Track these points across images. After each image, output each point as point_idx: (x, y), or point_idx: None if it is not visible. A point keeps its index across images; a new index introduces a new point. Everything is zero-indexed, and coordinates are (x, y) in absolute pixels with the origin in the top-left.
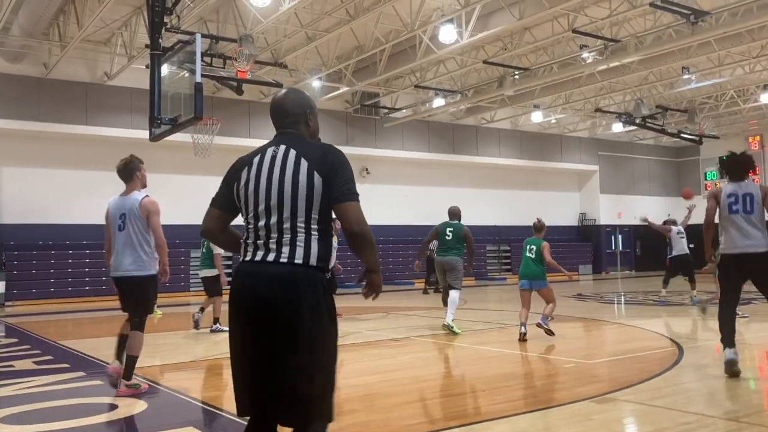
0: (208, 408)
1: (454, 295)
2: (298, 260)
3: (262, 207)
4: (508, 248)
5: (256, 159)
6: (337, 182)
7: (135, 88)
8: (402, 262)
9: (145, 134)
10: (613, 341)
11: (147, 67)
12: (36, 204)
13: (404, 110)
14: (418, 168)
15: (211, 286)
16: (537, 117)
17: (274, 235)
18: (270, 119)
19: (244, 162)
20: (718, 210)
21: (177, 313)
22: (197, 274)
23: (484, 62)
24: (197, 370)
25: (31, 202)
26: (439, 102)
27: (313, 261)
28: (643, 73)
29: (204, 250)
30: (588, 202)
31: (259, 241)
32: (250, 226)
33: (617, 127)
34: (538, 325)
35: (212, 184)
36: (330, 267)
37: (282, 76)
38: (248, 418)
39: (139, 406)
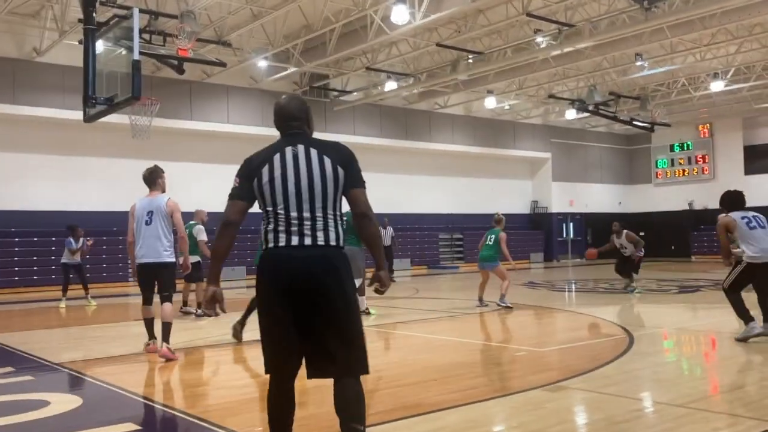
0: (147, 403)
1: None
2: (332, 242)
3: (293, 198)
4: (461, 236)
5: (277, 157)
6: (352, 172)
7: (67, 65)
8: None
9: (78, 115)
10: (565, 329)
11: (80, 43)
12: None
13: (355, 93)
14: (369, 153)
15: (193, 273)
16: (490, 103)
17: (308, 222)
18: (211, 102)
19: (262, 159)
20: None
21: (113, 304)
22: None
23: (438, 45)
24: (134, 363)
25: None
26: (391, 85)
27: (341, 242)
28: (597, 59)
29: None
30: (540, 190)
31: (292, 228)
32: (280, 216)
33: (570, 114)
34: (498, 306)
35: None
36: None
37: (226, 55)
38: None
39: (73, 403)
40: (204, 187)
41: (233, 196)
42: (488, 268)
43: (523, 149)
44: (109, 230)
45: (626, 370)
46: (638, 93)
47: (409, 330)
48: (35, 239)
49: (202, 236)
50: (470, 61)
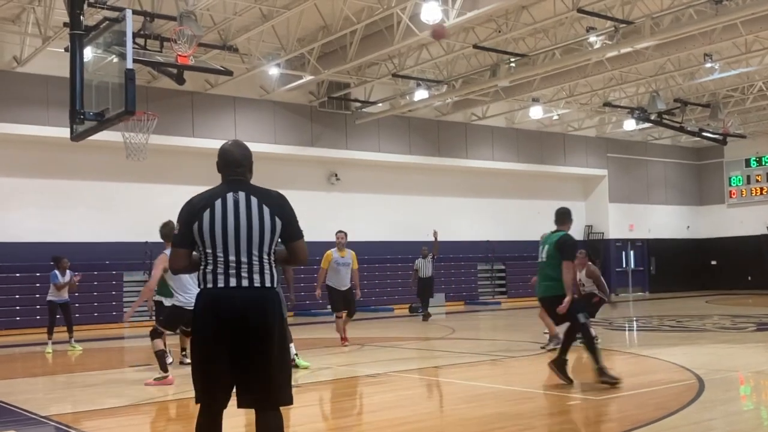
0: None
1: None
2: (267, 284)
3: (233, 243)
4: (503, 267)
5: (218, 202)
6: (292, 225)
7: (52, 76)
8: (378, 285)
9: (65, 132)
10: (625, 373)
11: (66, 50)
12: None
13: (380, 104)
14: (396, 173)
15: None
16: (536, 113)
17: (245, 265)
18: (216, 116)
19: (201, 204)
20: None
21: (105, 348)
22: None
23: (475, 47)
24: (128, 416)
25: None
26: (421, 94)
27: (275, 283)
28: (660, 61)
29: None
30: (595, 213)
31: (230, 271)
32: (219, 258)
33: (629, 125)
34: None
35: (149, 193)
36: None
37: (232, 62)
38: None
39: None
40: None
41: (175, 243)
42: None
43: (575, 166)
44: (100, 263)
45: (696, 421)
46: (708, 100)
47: (445, 376)
48: (17, 275)
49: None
50: (512, 65)
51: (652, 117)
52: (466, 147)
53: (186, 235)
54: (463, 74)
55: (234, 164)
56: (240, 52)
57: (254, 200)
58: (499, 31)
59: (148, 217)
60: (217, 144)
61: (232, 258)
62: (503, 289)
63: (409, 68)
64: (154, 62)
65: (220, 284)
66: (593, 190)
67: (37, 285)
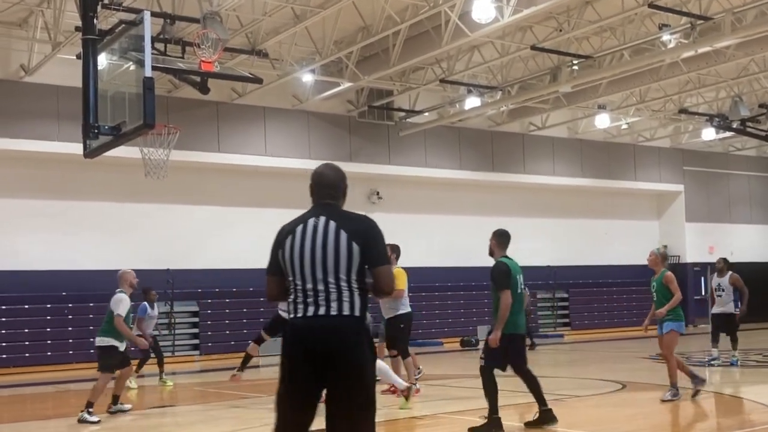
0: None
1: None
2: (345, 312)
3: (308, 270)
4: (566, 296)
5: (299, 228)
6: (373, 249)
7: (62, 86)
8: (425, 316)
9: (77, 148)
10: (705, 415)
11: (78, 57)
12: None
13: (426, 114)
14: (444, 190)
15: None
16: (602, 121)
17: (322, 293)
18: (244, 129)
19: (287, 231)
20: None
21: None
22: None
23: (533, 48)
24: None
25: None
26: (473, 102)
27: (355, 311)
28: (743, 62)
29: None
30: (670, 234)
31: (308, 299)
32: (298, 287)
33: (708, 134)
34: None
35: (171, 215)
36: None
37: (261, 68)
38: None
39: None
40: (236, 237)
41: (267, 271)
42: (661, 331)
43: (647, 180)
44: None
45: None
46: None
47: (502, 418)
48: (25, 307)
49: (120, 309)
50: (575, 67)
51: (734, 125)
52: (524, 161)
53: (275, 262)
54: (519, 79)
55: (325, 187)
56: (270, 58)
57: (332, 225)
58: (560, 30)
59: (169, 241)
60: (245, 160)
61: (309, 286)
62: (566, 320)
63: (459, 73)
64: (175, 69)
65: (299, 313)
66: (668, 207)
67: (48, 318)
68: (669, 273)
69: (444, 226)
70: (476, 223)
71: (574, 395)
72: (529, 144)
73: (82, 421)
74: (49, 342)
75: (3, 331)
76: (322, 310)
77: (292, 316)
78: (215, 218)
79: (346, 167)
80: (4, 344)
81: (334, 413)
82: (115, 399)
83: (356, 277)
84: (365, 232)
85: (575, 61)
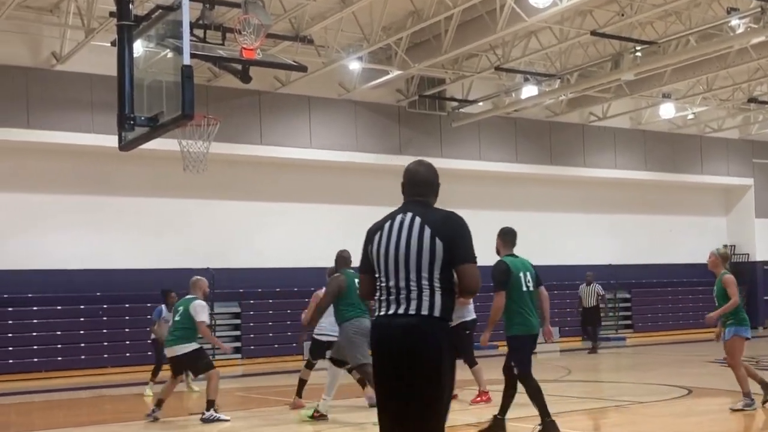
0: None
1: None
2: (424, 312)
3: (392, 268)
4: (628, 296)
5: (387, 225)
6: (457, 246)
7: (96, 74)
8: (483, 319)
9: (112, 140)
10: None
11: (113, 44)
12: None
13: (480, 103)
14: (500, 184)
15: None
16: (667, 111)
17: (403, 291)
18: (288, 119)
19: (376, 227)
20: None
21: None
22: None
23: (593, 34)
24: None
25: None
26: (530, 91)
27: (435, 311)
28: None
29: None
30: (739, 230)
31: (390, 297)
32: (382, 284)
33: None
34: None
35: (211, 211)
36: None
37: (306, 56)
38: None
39: None
40: (280, 234)
41: (359, 269)
42: (723, 338)
43: (714, 174)
44: (155, 294)
45: None
46: None
47: (561, 425)
48: (58, 308)
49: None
50: (638, 54)
51: None
52: (584, 153)
53: (364, 259)
54: (579, 66)
55: (416, 185)
56: (315, 44)
57: (417, 221)
58: (622, 15)
59: (209, 239)
60: (288, 152)
61: (392, 283)
62: (628, 322)
63: (515, 60)
64: (215, 57)
65: (382, 311)
66: (736, 202)
67: (81, 320)
68: (728, 276)
69: (498, 223)
70: (533, 219)
71: (636, 401)
72: (590, 135)
73: (209, 420)
74: (82, 345)
75: (34, 334)
76: (401, 309)
77: (377, 313)
78: (257, 214)
79: (395, 160)
80: (35, 347)
81: (405, 413)
82: (160, 403)
83: (440, 275)
84: (450, 229)
85: (638, 48)
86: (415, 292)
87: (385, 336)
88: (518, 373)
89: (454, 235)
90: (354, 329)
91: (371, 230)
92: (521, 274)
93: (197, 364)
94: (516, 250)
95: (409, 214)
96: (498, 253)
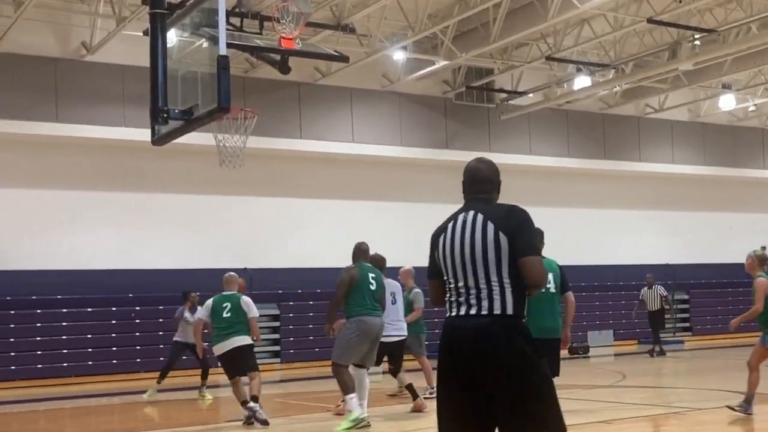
0: None
1: None
2: (497, 311)
3: (459, 267)
4: (686, 297)
5: (450, 225)
6: (519, 240)
7: (128, 65)
8: None
9: (144, 135)
10: None
11: (145, 33)
12: None
13: (531, 95)
14: (551, 180)
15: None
16: (727, 102)
17: (473, 291)
18: (329, 112)
19: (440, 229)
20: None
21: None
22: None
23: (649, 21)
24: None
25: None
26: (582, 82)
27: (508, 310)
28: None
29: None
30: None
31: (460, 298)
32: (451, 285)
33: None
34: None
35: (248, 208)
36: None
37: (348, 45)
38: None
39: None
40: (321, 232)
41: (428, 275)
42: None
43: None
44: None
45: None
46: None
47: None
48: (89, 310)
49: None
50: (697, 43)
51: None
52: (639, 147)
53: (432, 264)
54: (634, 56)
55: (477, 182)
56: (358, 33)
57: (480, 218)
58: (680, 1)
59: (246, 237)
60: (329, 147)
61: (461, 284)
62: (686, 324)
63: (567, 49)
64: (252, 47)
65: (453, 313)
66: None
67: (113, 322)
68: (761, 280)
69: (550, 220)
70: (584, 216)
71: (695, 408)
72: (645, 128)
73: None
74: (114, 349)
75: (64, 337)
76: (472, 310)
77: (447, 316)
78: (297, 212)
79: (441, 155)
80: (65, 351)
81: (503, 424)
82: (245, 403)
83: (509, 272)
84: (513, 222)
85: (697, 36)
86: (485, 291)
87: (457, 337)
88: None
89: (516, 227)
90: (355, 329)
91: (435, 234)
92: (548, 275)
93: (250, 360)
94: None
95: (471, 212)
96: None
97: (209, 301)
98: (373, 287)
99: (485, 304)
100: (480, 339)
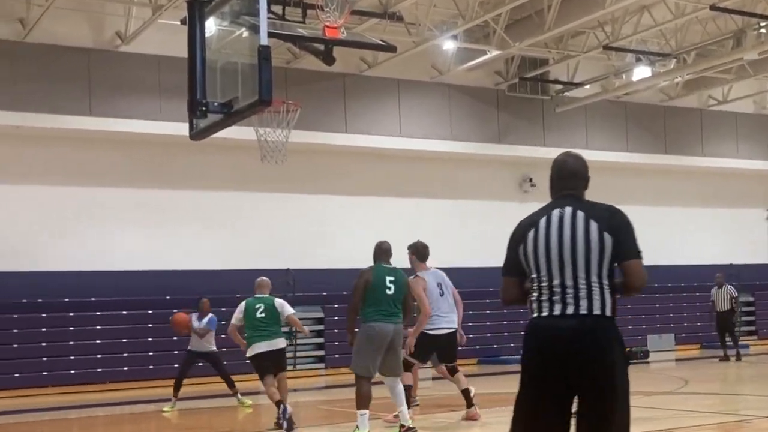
0: None
1: None
2: (596, 311)
3: (555, 265)
4: (751, 299)
5: (543, 220)
6: (623, 241)
7: (164, 56)
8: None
9: (182, 129)
10: None
11: (183, 22)
12: (13, 242)
13: (588, 86)
14: (609, 176)
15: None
16: None
17: (570, 290)
18: (376, 104)
19: (528, 224)
20: None
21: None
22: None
23: (713, 8)
24: None
25: (3, 239)
26: (642, 72)
27: (606, 311)
28: None
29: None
30: None
31: (554, 297)
32: (543, 284)
33: None
34: None
35: (290, 206)
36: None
37: (395, 34)
38: None
39: None
40: (367, 231)
41: (502, 272)
42: None
43: None
44: (228, 297)
45: None
46: None
47: None
48: (123, 313)
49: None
50: (763, 31)
51: None
52: (702, 141)
53: (513, 260)
54: (697, 45)
55: (568, 177)
56: (405, 22)
57: (580, 215)
58: None
59: (289, 236)
60: (376, 141)
61: (556, 282)
62: (752, 328)
63: (626, 38)
64: (295, 36)
65: (544, 313)
66: None
67: (149, 326)
68: None
69: None
70: (643, 214)
71: (761, 416)
72: (708, 121)
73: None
74: (150, 354)
75: (97, 341)
76: (570, 309)
77: (534, 315)
78: (341, 209)
79: (494, 149)
80: (99, 356)
81: (586, 422)
82: (279, 403)
83: (607, 272)
84: (616, 223)
85: (762, 24)
86: (584, 291)
87: (551, 338)
88: None
89: (621, 229)
90: (363, 336)
91: (522, 229)
92: None
93: (284, 361)
94: None
95: (569, 209)
96: None
97: (242, 304)
98: (390, 291)
99: (584, 303)
100: (579, 339)
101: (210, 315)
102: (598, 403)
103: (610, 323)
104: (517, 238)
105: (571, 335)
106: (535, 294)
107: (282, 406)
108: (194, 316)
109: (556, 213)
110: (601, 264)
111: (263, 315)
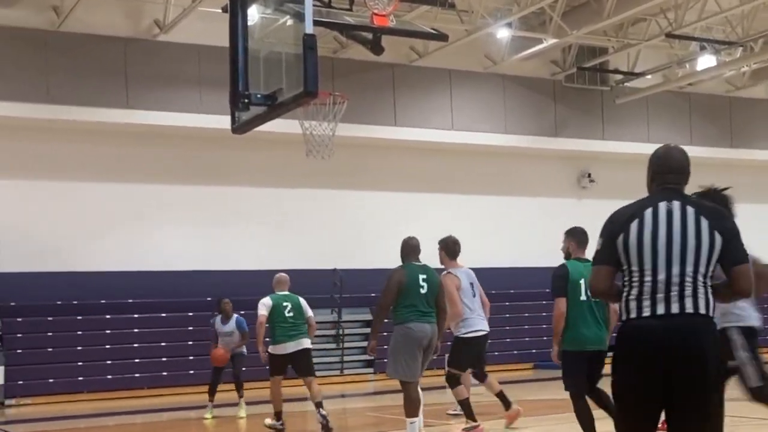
0: None
1: None
2: (702, 311)
3: (662, 260)
4: None
5: (648, 212)
6: (734, 244)
7: (205, 45)
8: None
9: (223, 122)
10: None
11: (224, 10)
12: (47, 240)
13: (649, 76)
14: None
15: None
16: None
17: (676, 286)
18: (425, 96)
19: (629, 215)
20: None
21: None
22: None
23: None
24: None
25: (37, 238)
26: (707, 61)
27: (710, 311)
28: None
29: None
30: None
31: (657, 294)
32: (646, 278)
33: None
34: None
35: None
36: None
37: (447, 22)
38: None
39: None
40: (417, 228)
41: (595, 260)
42: None
43: None
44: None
45: None
46: None
47: None
48: (163, 315)
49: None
50: None
51: None
52: None
53: (609, 249)
54: (764, 32)
55: (673, 170)
56: (458, 9)
57: (690, 210)
58: None
59: (336, 235)
60: (426, 135)
61: (661, 277)
62: None
63: (690, 25)
64: (341, 24)
65: (645, 313)
66: None
67: (189, 329)
68: None
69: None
70: None
71: None
72: None
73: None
74: (191, 358)
75: (135, 345)
76: (675, 308)
77: (632, 316)
78: (391, 206)
79: (550, 143)
80: (137, 360)
81: (680, 427)
82: (279, 415)
83: (711, 272)
84: (728, 225)
85: None
86: (690, 289)
87: (654, 338)
88: (568, 392)
89: (731, 231)
90: (401, 337)
91: (623, 216)
92: (581, 281)
93: (311, 363)
94: None
95: (677, 203)
96: (568, 255)
97: (268, 300)
98: (424, 290)
99: (689, 302)
100: (687, 340)
101: (236, 316)
102: (693, 406)
103: (711, 323)
104: (617, 228)
105: (677, 336)
106: (635, 291)
107: (322, 413)
108: (218, 320)
109: (663, 206)
110: (708, 263)
111: (291, 314)
